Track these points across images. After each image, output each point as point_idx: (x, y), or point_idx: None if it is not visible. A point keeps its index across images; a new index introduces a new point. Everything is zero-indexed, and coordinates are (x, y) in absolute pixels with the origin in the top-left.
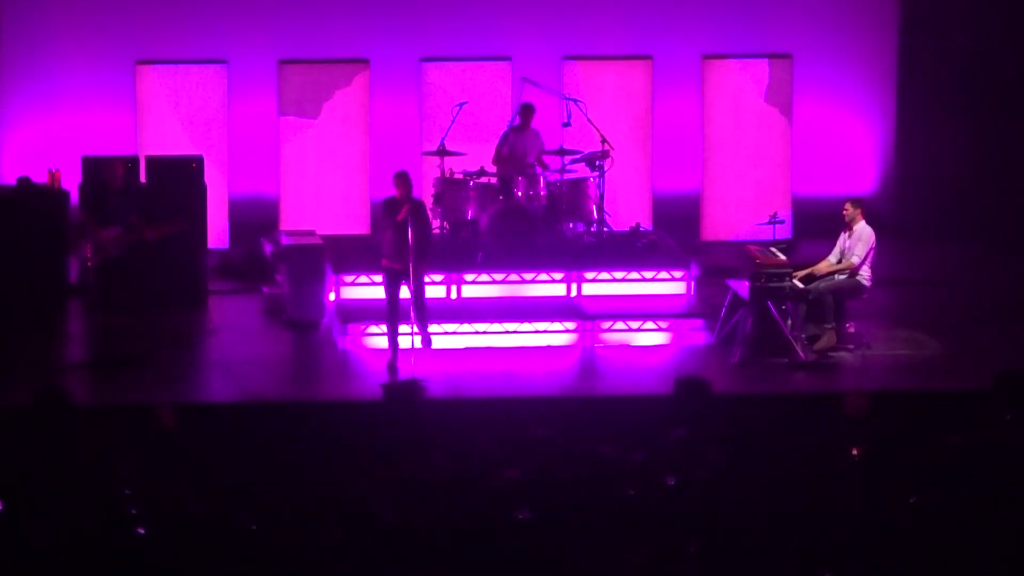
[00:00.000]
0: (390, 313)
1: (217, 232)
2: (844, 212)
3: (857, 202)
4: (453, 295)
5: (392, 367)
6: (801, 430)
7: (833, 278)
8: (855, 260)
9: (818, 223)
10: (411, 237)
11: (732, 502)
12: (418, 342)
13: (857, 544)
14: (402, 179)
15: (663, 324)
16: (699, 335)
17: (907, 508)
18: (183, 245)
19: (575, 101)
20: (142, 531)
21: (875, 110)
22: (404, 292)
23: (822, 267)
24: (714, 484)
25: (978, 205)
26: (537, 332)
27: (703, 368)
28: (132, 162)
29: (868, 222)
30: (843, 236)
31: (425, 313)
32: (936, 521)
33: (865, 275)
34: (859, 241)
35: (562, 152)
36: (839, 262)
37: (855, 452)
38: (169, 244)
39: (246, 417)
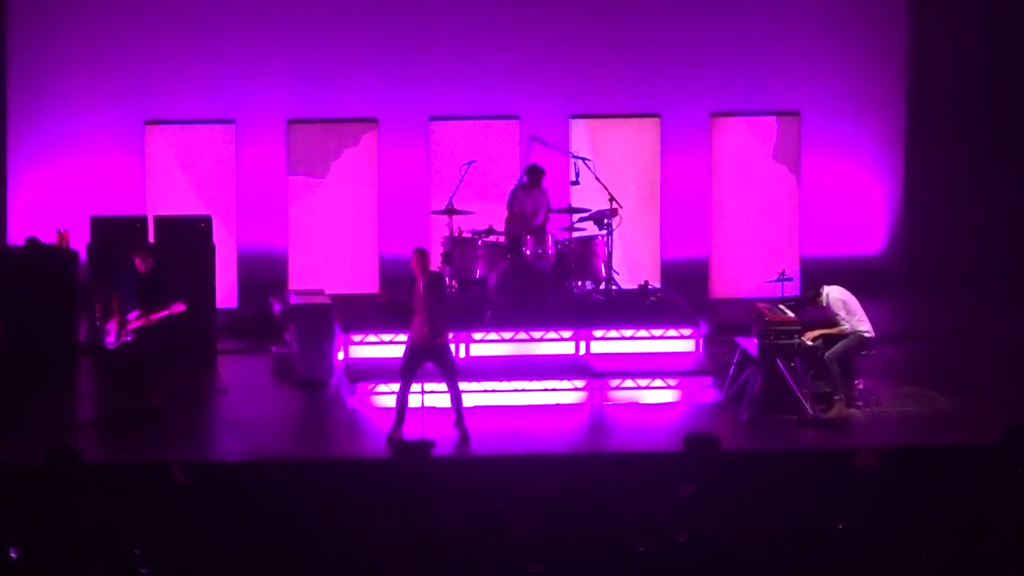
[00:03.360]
0: (402, 384)
1: (226, 291)
2: (818, 302)
3: (814, 288)
4: (462, 354)
5: (392, 439)
6: (811, 486)
7: (836, 341)
8: (846, 327)
9: (827, 281)
10: (427, 312)
11: (743, 559)
12: (427, 400)
13: None
14: (418, 256)
15: (672, 382)
16: (708, 392)
17: (919, 563)
18: (192, 305)
19: (583, 159)
20: None
21: (884, 167)
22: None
23: (828, 327)
24: (725, 540)
25: (988, 260)
26: (546, 390)
27: (712, 425)
28: (142, 226)
29: (838, 283)
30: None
31: (455, 383)
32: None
33: (864, 328)
34: (834, 308)
35: (570, 210)
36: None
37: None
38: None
39: (256, 475)
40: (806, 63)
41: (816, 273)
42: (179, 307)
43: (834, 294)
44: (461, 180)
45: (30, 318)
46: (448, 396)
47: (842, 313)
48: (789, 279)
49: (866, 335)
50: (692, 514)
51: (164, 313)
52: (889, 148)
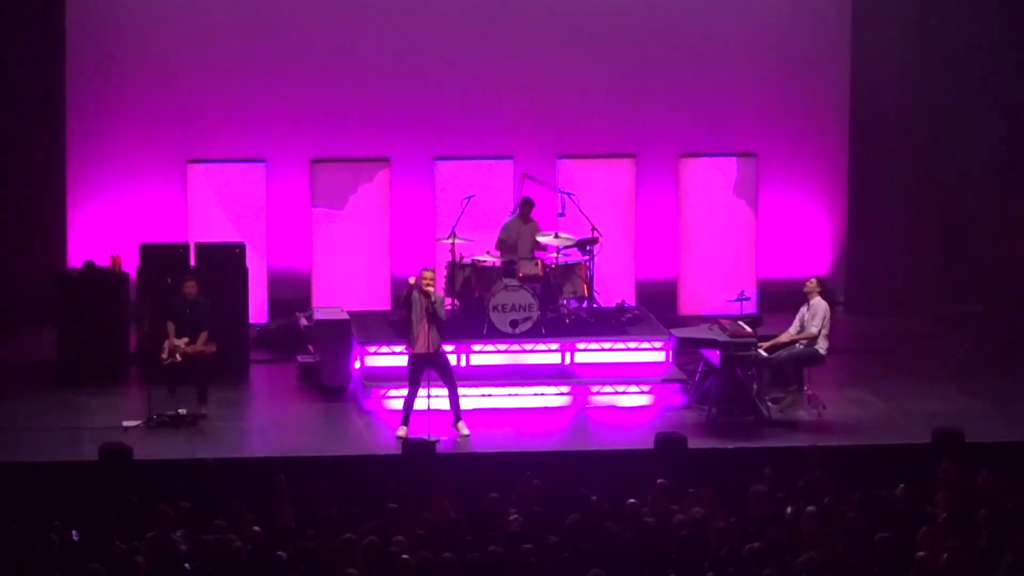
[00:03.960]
0: (410, 388)
1: (257, 308)
2: (806, 285)
3: (821, 281)
4: (463, 363)
5: (401, 438)
6: (765, 479)
7: (795, 347)
8: (813, 330)
9: (780, 300)
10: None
11: (704, 540)
12: (443, 404)
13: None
14: (428, 273)
15: (645, 388)
16: (676, 397)
17: (867, 543)
18: (228, 321)
19: (568, 194)
20: (188, 567)
21: (830, 200)
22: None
23: (783, 338)
24: (689, 525)
25: (921, 284)
26: (535, 395)
27: (680, 426)
28: (185, 251)
29: (824, 298)
30: (803, 309)
31: (454, 387)
32: (889, 551)
33: (822, 345)
34: (815, 314)
35: (557, 238)
36: (799, 332)
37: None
38: (216, 321)
39: (282, 469)
40: (763, 110)
41: (778, 292)
42: (212, 348)
43: (823, 307)
44: (462, 212)
45: (87, 332)
46: (447, 399)
47: (819, 321)
48: (747, 299)
49: (821, 353)
50: (662, 502)
51: (202, 350)
52: (834, 184)
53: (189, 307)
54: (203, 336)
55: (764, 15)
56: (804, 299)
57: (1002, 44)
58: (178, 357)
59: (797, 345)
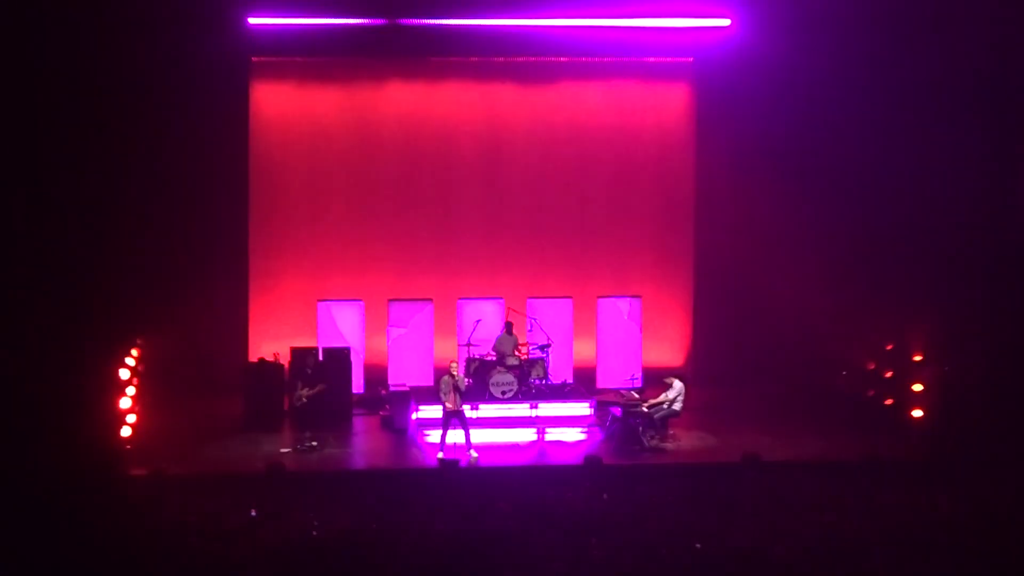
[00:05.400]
0: (444, 430)
1: (357, 384)
2: (667, 378)
3: (674, 377)
4: (474, 415)
5: (440, 459)
6: (646, 483)
7: (662, 408)
8: (664, 398)
9: (655, 378)
10: (456, 397)
11: (614, 519)
12: (461, 439)
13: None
14: (453, 365)
15: (578, 430)
16: (597, 435)
17: (705, 523)
18: (339, 393)
19: (534, 319)
20: (315, 533)
21: (684, 318)
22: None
23: (656, 400)
24: (605, 509)
25: (744, 367)
26: (516, 434)
27: (598, 451)
28: (316, 353)
29: (681, 381)
30: (667, 388)
31: (468, 429)
32: (732, 537)
33: (680, 408)
34: (675, 392)
35: (527, 345)
36: (664, 398)
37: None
38: (331, 393)
39: (369, 477)
40: (643, 270)
41: (654, 375)
42: (323, 388)
43: (679, 385)
44: (474, 329)
45: (259, 398)
46: (464, 436)
47: (678, 397)
48: (636, 378)
49: (678, 411)
50: (589, 496)
51: (319, 390)
52: (685, 309)
53: (311, 369)
54: (320, 386)
55: (642, 213)
56: (666, 382)
57: (800, 220)
58: (304, 400)
59: (664, 406)
